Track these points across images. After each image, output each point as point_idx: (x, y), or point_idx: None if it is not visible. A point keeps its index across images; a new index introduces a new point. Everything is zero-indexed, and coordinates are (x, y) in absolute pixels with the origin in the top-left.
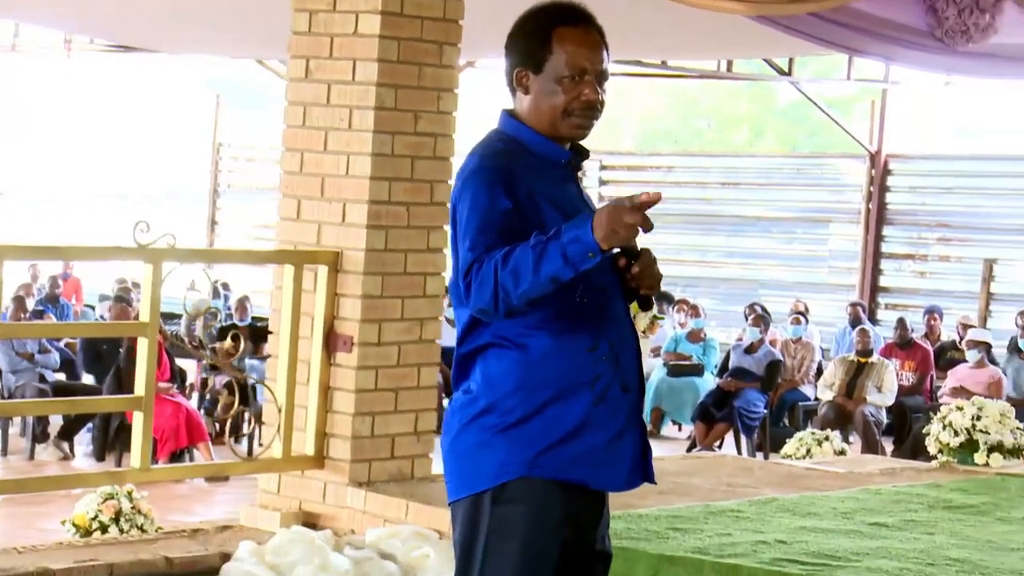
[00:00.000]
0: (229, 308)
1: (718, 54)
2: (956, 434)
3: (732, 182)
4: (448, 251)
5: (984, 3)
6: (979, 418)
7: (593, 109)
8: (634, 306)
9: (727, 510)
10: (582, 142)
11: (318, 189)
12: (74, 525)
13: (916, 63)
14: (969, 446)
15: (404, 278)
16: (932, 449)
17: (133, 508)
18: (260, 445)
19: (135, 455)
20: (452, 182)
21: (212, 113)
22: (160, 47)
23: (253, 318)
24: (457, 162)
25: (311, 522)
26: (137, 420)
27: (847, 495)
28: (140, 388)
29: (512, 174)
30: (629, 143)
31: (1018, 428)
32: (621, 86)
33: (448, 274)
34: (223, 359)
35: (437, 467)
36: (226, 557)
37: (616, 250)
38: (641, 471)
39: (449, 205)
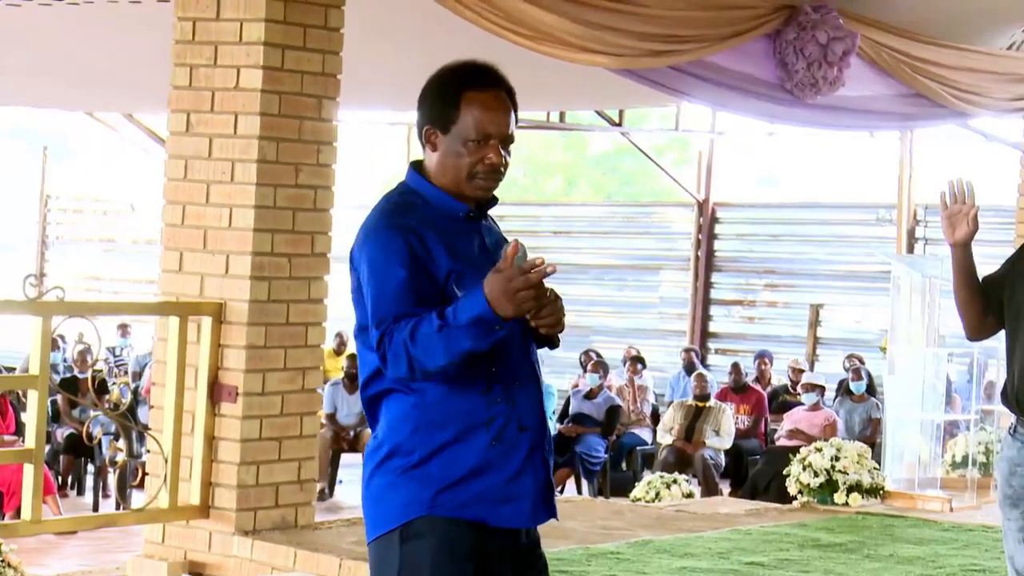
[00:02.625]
0: (67, 360)
1: (556, 105)
2: (816, 475)
3: (563, 231)
4: (327, 301)
5: (832, 57)
6: (838, 459)
7: (496, 172)
8: None
9: (607, 552)
10: None
11: (200, 241)
12: None
13: (768, 115)
14: (829, 486)
15: (287, 328)
16: (793, 489)
17: (3, 561)
18: (105, 498)
19: (26, 507)
20: (331, 234)
21: (39, 165)
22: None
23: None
24: (337, 214)
25: (197, 571)
26: (28, 472)
27: (719, 535)
28: (31, 440)
29: (409, 229)
30: None
31: (875, 468)
32: None
33: (329, 324)
34: (111, 411)
35: (320, 515)
36: None
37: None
38: (544, 507)
39: (349, 253)
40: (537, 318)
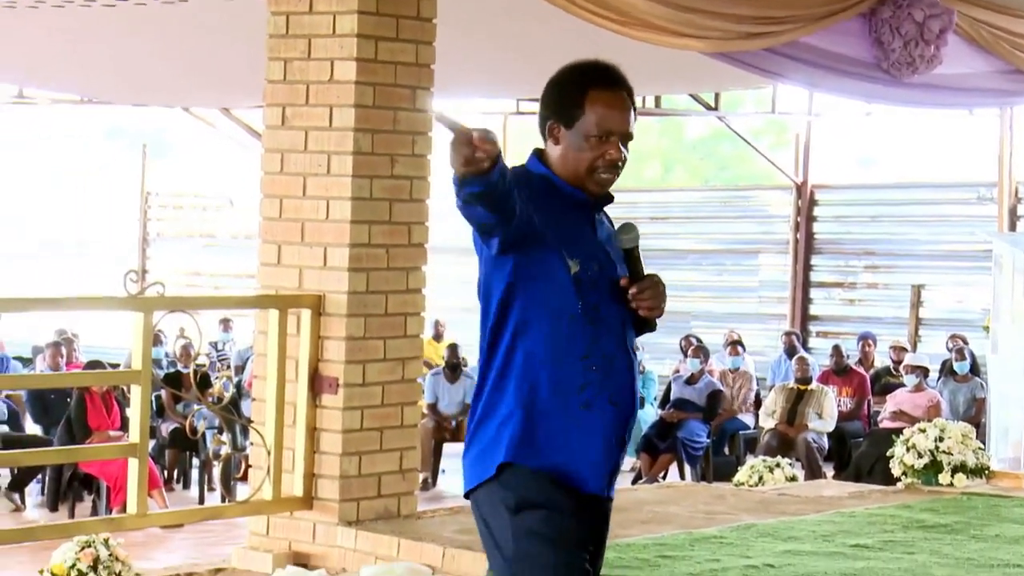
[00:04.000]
0: (169, 355)
1: (651, 90)
2: (920, 456)
3: (661, 216)
4: (426, 291)
5: (928, 35)
6: (942, 439)
7: (615, 167)
8: None
9: (710, 537)
10: None
11: (298, 234)
12: (52, 574)
13: (865, 95)
14: (933, 467)
15: (386, 319)
16: (897, 471)
17: (111, 555)
18: (211, 491)
19: (131, 501)
20: (428, 224)
21: (139, 162)
22: (100, 96)
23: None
24: (433, 204)
25: (302, 562)
26: (132, 466)
27: (823, 518)
28: (135, 435)
29: (531, 186)
30: None
31: (979, 448)
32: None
33: (428, 313)
34: (214, 404)
35: (423, 505)
36: None
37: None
38: (611, 483)
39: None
40: (638, 299)
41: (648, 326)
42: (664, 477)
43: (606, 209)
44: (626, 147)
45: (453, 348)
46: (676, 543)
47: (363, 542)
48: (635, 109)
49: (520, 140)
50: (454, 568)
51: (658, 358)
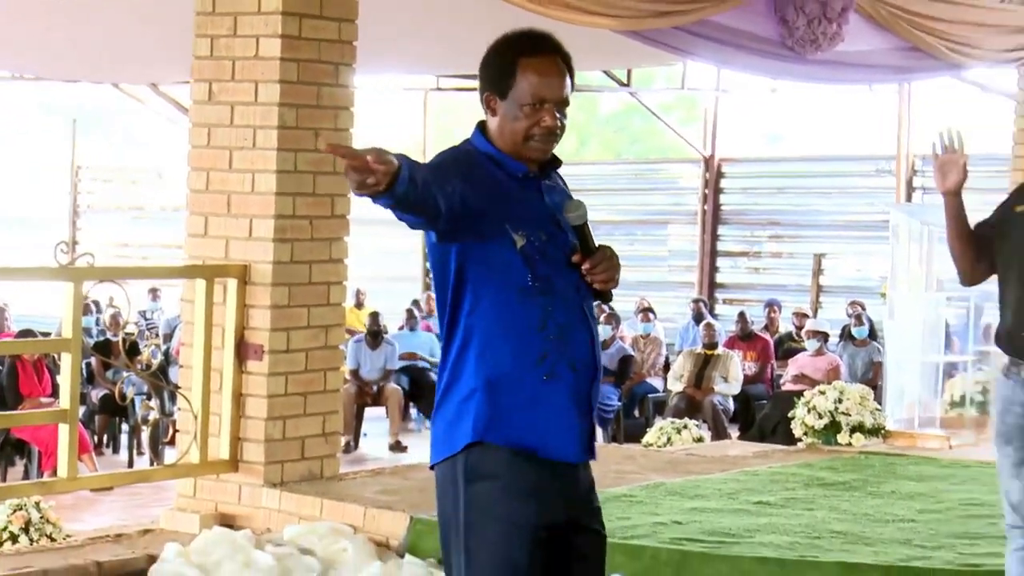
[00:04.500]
0: (100, 324)
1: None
2: (820, 417)
3: (576, 188)
4: (348, 261)
5: (831, 13)
6: (841, 401)
7: (552, 135)
8: None
9: (621, 495)
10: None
11: (225, 206)
12: None
13: (770, 72)
14: (832, 427)
15: (309, 288)
16: (798, 432)
17: (42, 518)
18: (139, 455)
19: (62, 465)
20: (350, 196)
21: (69, 138)
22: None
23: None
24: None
25: (228, 523)
26: (63, 431)
27: (728, 477)
28: (65, 401)
29: (470, 165)
30: None
31: (876, 409)
32: (457, 99)
33: (349, 282)
34: (142, 371)
35: (345, 467)
36: (152, 559)
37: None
38: (588, 447)
39: None
40: (591, 273)
41: (603, 296)
42: None
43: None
44: (563, 114)
45: (374, 316)
46: None
47: (287, 503)
48: (571, 75)
49: (440, 115)
50: (375, 527)
51: None
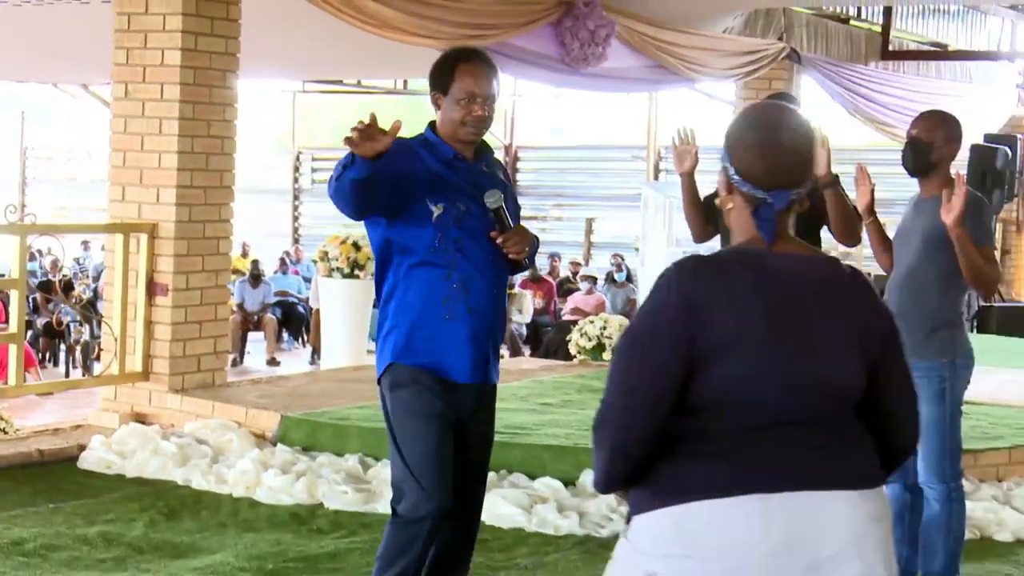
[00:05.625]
0: (43, 268)
1: (399, 75)
2: (590, 340)
3: None
4: (233, 220)
5: (597, 39)
6: (605, 328)
7: (482, 121)
8: None
9: None
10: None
11: (138, 178)
12: None
13: (553, 82)
14: (599, 348)
15: (204, 241)
16: (574, 351)
17: None
18: (74, 368)
19: (12, 376)
20: (235, 171)
21: (19, 126)
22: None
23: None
24: (239, 158)
25: (141, 420)
26: (12, 350)
27: (521, 384)
28: (14, 327)
29: (403, 147)
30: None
31: None
32: (318, 99)
33: (236, 236)
34: (76, 305)
35: (232, 377)
36: (82, 448)
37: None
38: (483, 372)
39: None
40: (504, 247)
41: (517, 265)
42: None
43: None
44: (490, 108)
45: (255, 262)
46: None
47: (187, 405)
48: (497, 80)
49: (306, 113)
50: (254, 423)
51: None
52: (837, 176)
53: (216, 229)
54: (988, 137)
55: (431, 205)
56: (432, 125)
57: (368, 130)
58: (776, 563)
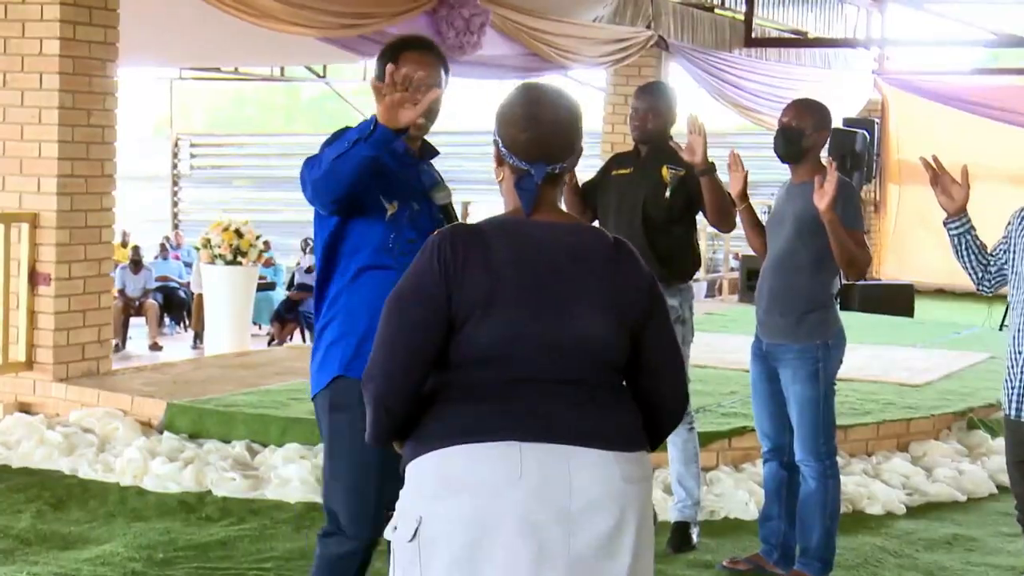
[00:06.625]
0: None
1: (277, 62)
2: None
3: (287, 153)
4: (115, 209)
5: (473, 27)
6: None
7: (428, 115)
8: None
9: None
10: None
11: (18, 168)
12: None
13: None
14: None
15: (85, 230)
16: None
17: None
18: None
19: None
20: (115, 160)
21: None
22: None
23: None
24: (119, 147)
25: (26, 410)
26: None
27: None
28: None
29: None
30: (201, 127)
31: None
32: (196, 86)
33: (117, 225)
34: None
35: (116, 364)
36: None
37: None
38: None
39: None
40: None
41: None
42: (291, 339)
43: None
44: (437, 100)
45: (135, 249)
46: (302, 388)
47: (72, 394)
48: (446, 70)
49: (184, 99)
50: (139, 411)
51: (284, 254)
52: (713, 163)
53: (98, 218)
54: (847, 121)
55: (384, 202)
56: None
57: (414, 94)
58: (528, 507)
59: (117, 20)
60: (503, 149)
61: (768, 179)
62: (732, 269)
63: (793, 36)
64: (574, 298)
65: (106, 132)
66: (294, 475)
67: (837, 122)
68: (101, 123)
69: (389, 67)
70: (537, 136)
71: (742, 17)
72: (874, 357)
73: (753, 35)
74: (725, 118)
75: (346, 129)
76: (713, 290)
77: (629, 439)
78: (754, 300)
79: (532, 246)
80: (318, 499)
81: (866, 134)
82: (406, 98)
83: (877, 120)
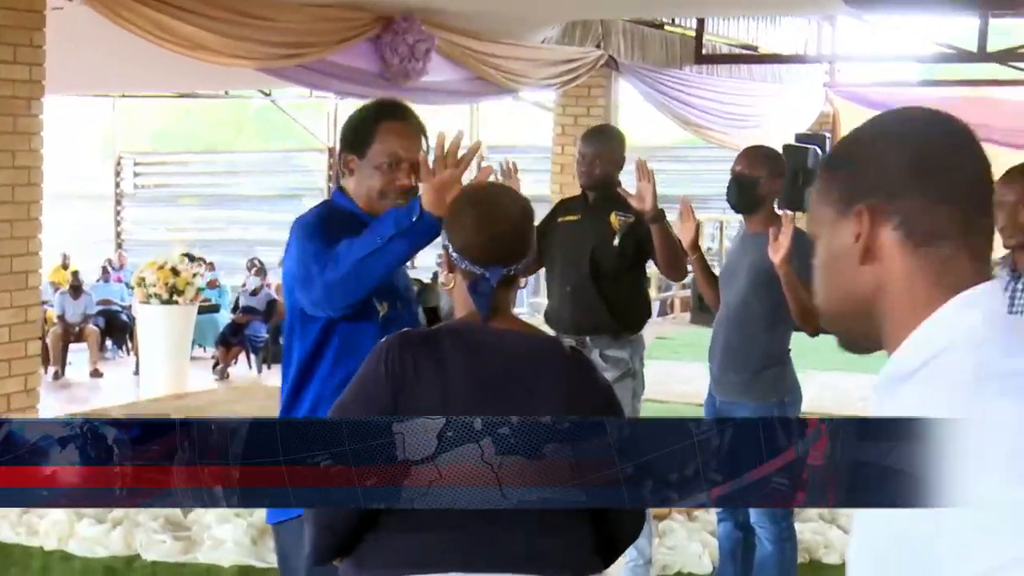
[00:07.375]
0: None
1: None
2: None
3: (232, 171)
4: (42, 253)
5: (417, 53)
6: None
7: (405, 194)
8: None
9: None
10: None
11: None
12: None
13: (375, 97)
14: None
15: (11, 276)
16: None
17: None
18: None
19: None
20: (42, 202)
21: None
22: None
23: None
24: (46, 187)
25: None
26: None
27: None
28: None
29: (329, 223)
30: (146, 144)
31: None
32: (140, 102)
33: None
34: None
35: (54, 391)
36: None
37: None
38: None
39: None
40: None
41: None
42: (235, 363)
43: None
44: (417, 175)
45: (75, 273)
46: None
47: None
48: (426, 140)
49: (129, 117)
50: None
51: (229, 273)
52: (663, 211)
53: (24, 263)
54: (799, 137)
55: (376, 302)
56: (342, 190)
57: (458, 167)
58: None
59: (43, 57)
60: (455, 254)
61: (717, 193)
62: (684, 287)
63: (744, 52)
64: (526, 409)
65: (32, 174)
66: (228, 536)
67: (789, 137)
68: (27, 164)
69: (440, 134)
70: (492, 238)
71: (692, 34)
72: (828, 387)
73: (704, 51)
74: (674, 131)
75: (351, 213)
76: (665, 307)
77: (576, 563)
78: (707, 354)
79: (486, 353)
80: (253, 562)
81: (818, 150)
82: (459, 175)
83: (828, 134)
